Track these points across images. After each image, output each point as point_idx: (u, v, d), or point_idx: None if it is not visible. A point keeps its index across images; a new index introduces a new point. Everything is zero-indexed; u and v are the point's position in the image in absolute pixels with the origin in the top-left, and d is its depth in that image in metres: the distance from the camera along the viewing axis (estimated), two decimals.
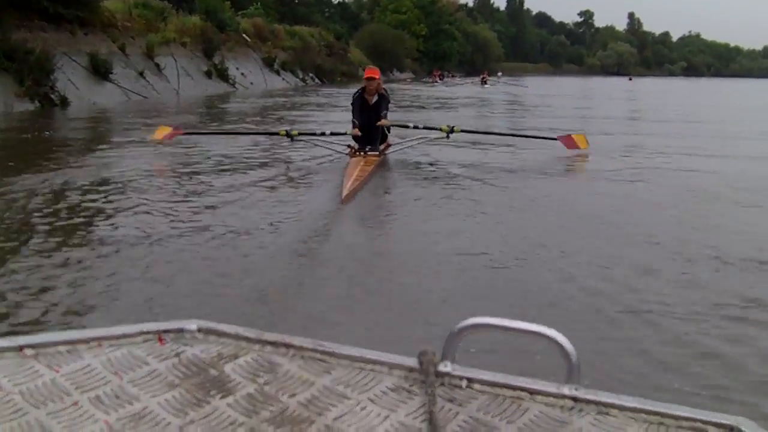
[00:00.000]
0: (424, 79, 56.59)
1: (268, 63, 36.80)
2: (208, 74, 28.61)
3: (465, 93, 33.19)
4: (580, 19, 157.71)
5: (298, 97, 26.74)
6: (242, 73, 32.24)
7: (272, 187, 7.00)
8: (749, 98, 36.05)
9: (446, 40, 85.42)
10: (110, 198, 6.47)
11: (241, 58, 33.96)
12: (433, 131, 8.72)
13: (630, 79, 77.77)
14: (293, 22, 49.94)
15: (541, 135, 9.68)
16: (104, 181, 7.24)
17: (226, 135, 11.25)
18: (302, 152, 9.21)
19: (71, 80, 18.96)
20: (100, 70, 20.61)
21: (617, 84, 58.57)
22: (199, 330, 1.05)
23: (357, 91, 8.50)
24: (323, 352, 0.99)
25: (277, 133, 8.77)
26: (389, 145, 8.70)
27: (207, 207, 6.03)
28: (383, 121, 8.25)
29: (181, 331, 1.05)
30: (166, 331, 1.04)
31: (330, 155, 8.68)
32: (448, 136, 8.52)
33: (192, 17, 31.20)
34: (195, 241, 4.90)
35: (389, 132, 8.67)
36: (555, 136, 9.32)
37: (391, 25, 72.68)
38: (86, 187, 6.90)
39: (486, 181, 7.54)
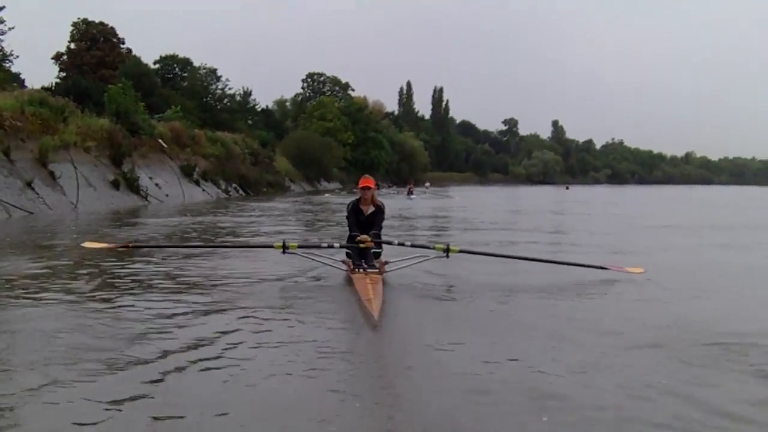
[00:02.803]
0: (354, 190, 54.32)
1: (187, 172, 33.63)
2: (115, 184, 24.87)
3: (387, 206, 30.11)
4: (504, 128, 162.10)
5: (220, 215, 22.83)
6: (156, 184, 28.82)
7: (283, 312, 6.42)
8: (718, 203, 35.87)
9: (374, 149, 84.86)
10: None
11: (156, 166, 30.73)
12: (430, 251, 8.52)
13: (567, 188, 78.70)
14: (215, 128, 47.31)
15: (561, 260, 9.19)
16: None
17: (213, 248, 10.94)
18: (287, 267, 8.92)
19: None
20: None
21: (557, 194, 57.31)
22: None
23: (351, 202, 8.50)
24: None
25: (271, 246, 8.34)
26: (386, 263, 8.41)
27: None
28: (368, 242, 8.02)
29: None
30: None
31: (322, 270, 8.62)
32: (447, 255, 8.28)
33: (100, 119, 27.71)
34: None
35: (382, 248, 8.48)
36: (601, 265, 8.84)
37: (318, 133, 70.99)
38: None
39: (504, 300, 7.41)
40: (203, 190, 34.12)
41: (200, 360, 4.68)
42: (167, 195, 28.83)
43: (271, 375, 4.42)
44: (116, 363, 4.57)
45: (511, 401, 4.07)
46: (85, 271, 8.59)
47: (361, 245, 7.94)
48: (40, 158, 20.84)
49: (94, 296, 6.99)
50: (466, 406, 3.97)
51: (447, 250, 8.21)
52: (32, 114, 22.73)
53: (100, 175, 24.34)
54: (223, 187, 37.23)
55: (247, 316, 6.09)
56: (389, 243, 8.65)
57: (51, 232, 14.55)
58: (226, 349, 4.97)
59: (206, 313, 6.23)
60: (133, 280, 8.01)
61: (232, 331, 5.50)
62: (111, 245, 9.23)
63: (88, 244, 9.01)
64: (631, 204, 39.47)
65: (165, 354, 4.80)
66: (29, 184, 19.39)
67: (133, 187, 26.00)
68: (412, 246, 8.70)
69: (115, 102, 30.14)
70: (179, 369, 4.46)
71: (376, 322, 5.85)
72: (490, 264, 9.23)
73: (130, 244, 9.53)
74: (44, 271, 8.64)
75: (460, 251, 8.51)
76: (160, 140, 32.95)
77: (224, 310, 6.40)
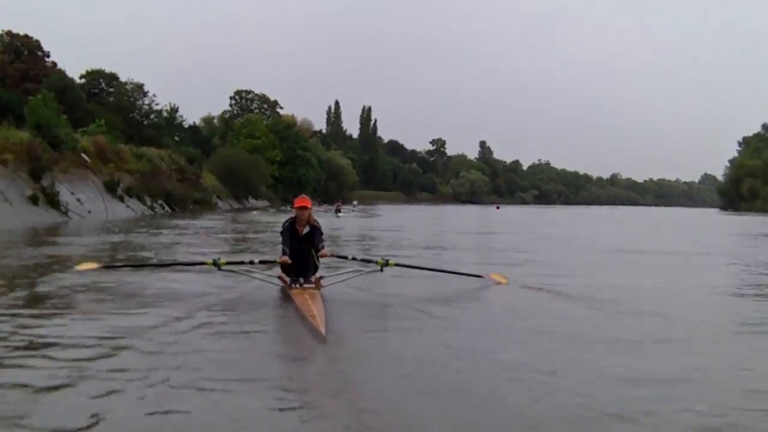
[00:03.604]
0: (282, 208, 54.09)
1: (111, 188, 32.49)
2: (34, 200, 23.73)
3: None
4: (432, 147, 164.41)
5: (142, 234, 22.15)
6: (78, 199, 27.65)
7: (228, 329, 6.32)
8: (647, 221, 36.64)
9: (302, 167, 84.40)
10: None
11: (78, 181, 29.48)
12: (369, 264, 8.89)
13: (497, 208, 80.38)
14: (141, 144, 46.23)
15: (470, 272, 10.03)
16: None
17: (151, 267, 10.64)
18: (219, 283, 8.97)
19: None
20: None
21: (487, 214, 58.22)
22: None
23: (287, 221, 8.50)
24: None
25: (203, 263, 8.44)
26: (322, 277, 8.54)
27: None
28: (324, 251, 8.30)
29: None
30: None
31: (256, 286, 8.58)
32: (382, 269, 8.59)
33: (19, 131, 26.61)
34: None
35: (320, 264, 8.57)
36: (482, 274, 9.93)
37: (246, 150, 70.09)
38: None
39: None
40: (128, 206, 33.02)
41: (136, 383, 4.45)
42: (89, 211, 27.73)
43: (226, 391, 4.35)
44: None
45: (460, 400, 4.34)
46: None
47: (288, 261, 8.08)
48: None
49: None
50: (427, 408, 4.19)
51: (385, 264, 8.55)
52: None
53: (17, 189, 23.24)
54: (149, 203, 36.10)
55: (187, 331, 6.02)
56: (343, 257, 9.30)
57: None
58: (170, 370, 4.75)
59: (136, 334, 5.88)
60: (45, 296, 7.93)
61: (173, 354, 5.25)
62: (99, 265, 9.30)
63: (82, 267, 9.08)
64: (552, 224, 40.65)
65: (96, 374, 4.62)
66: None
67: (53, 202, 24.83)
68: (353, 259, 9.24)
69: (36, 114, 28.97)
70: (116, 393, 4.26)
71: (323, 336, 5.91)
72: (418, 277, 9.93)
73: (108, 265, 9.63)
74: None
75: (396, 265, 8.83)
76: (83, 154, 31.79)
77: (161, 327, 6.18)
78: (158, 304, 7.45)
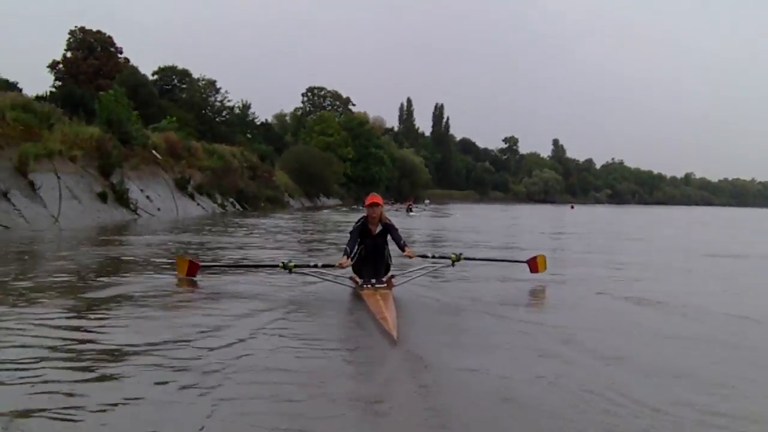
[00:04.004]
0: (354, 206, 53.26)
1: (181, 185, 31.77)
2: (103, 197, 22.96)
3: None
4: (504, 146, 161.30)
5: (217, 234, 21.02)
6: (148, 197, 27.00)
7: (297, 333, 6.12)
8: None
9: (375, 164, 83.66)
10: None
11: (148, 178, 28.83)
12: (442, 260, 8.88)
13: (572, 207, 77.28)
14: (213, 141, 45.94)
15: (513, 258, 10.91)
16: None
17: (237, 268, 10.49)
18: (289, 286, 8.75)
19: None
20: None
21: (562, 214, 55.90)
22: None
23: (359, 220, 8.34)
24: None
25: (276, 266, 8.31)
26: (393, 276, 8.45)
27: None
28: (409, 251, 8.15)
29: None
30: None
31: (327, 287, 8.44)
32: (453, 264, 8.61)
33: (89, 127, 25.99)
34: None
35: (392, 263, 8.59)
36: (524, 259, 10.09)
37: (318, 148, 69.54)
38: None
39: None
40: (198, 204, 32.29)
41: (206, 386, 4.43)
42: (159, 209, 27.02)
43: (297, 399, 4.26)
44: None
45: (538, 413, 4.15)
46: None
47: (347, 264, 7.95)
48: (20, 167, 19.04)
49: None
50: (503, 418, 4.07)
51: (458, 260, 8.61)
52: (14, 119, 20.99)
53: (87, 186, 22.50)
54: (219, 201, 35.38)
55: (260, 334, 5.98)
56: (424, 256, 9.05)
57: (11, 251, 12.74)
58: (238, 372, 4.76)
59: (215, 334, 5.92)
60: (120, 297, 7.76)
61: (246, 355, 5.21)
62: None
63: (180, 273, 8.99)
64: (642, 226, 37.94)
65: (179, 371, 4.72)
66: (5, 195, 17.59)
67: (122, 199, 24.15)
68: (433, 257, 9.07)
69: (106, 110, 28.51)
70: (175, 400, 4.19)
71: (395, 339, 5.80)
72: (491, 271, 10.35)
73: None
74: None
75: (465, 259, 8.94)
76: (153, 151, 31.22)
77: (233, 327, 6.17)
78: (229, 306, 7.25)
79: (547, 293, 9.16)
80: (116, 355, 5.18)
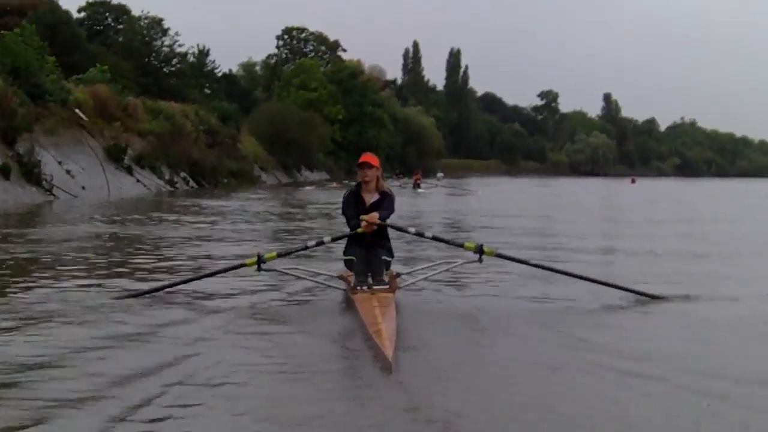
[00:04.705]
0: (345, 181, 52.74)
1: (115, 156, 31.76)
2: (4, 171, 22.50)
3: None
4: (540, 103, 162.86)
5: (166, 222, 19.96)
6: (68, 171, 26.76)
7: (258, 353, 5.92)
8: None
9: (372, 127, 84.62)
10: None
11: (69, 146, 28.71)
12: (457, 249, 8.67)
13: (633, 182, 77.22)
14: (159, 97, 46.93)
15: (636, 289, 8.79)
16: None
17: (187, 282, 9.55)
18: (262, 287, 8.76)
19: None
20: None
21: (622, 190, 55.33)
22: None
23: (349, 189, 8.42)
24: None
25: (243, 265, 7.99)
26: (397, 275, 8.09)
27: None
28: (374, 218, 7.72)
29: None
30: None
31: (309, 287, 8.60)
32: (480, 260, 8.07)
33: None
34: None
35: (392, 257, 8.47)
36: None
37: (298, 106, 70.34)
38: None
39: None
40: (138, 180, 32.26)
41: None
42: (84, 187, 26.72)
43: None
44: None
45: None
46: None
47: (359, 230, 7.76)
48: None
49: None
50: None
51: (480, 252, 8.02)
52: None
53: None
54: (167, 176, 35.64)
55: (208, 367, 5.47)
56: (404, 230, 8.75)
57: None
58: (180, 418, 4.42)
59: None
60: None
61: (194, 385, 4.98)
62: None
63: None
64: None
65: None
66: None
67: (32, 175, 23.81)
68: (434, 238, 8.71)
69: (11, 55, 27.98)
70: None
71: (389, 363, 5.59)
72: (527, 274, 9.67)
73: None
74: None
75: (497, 255, 8.30)
76: (77, 110, 31.09)
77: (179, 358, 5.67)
78: (177, 318, 7.03)
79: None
80: None
